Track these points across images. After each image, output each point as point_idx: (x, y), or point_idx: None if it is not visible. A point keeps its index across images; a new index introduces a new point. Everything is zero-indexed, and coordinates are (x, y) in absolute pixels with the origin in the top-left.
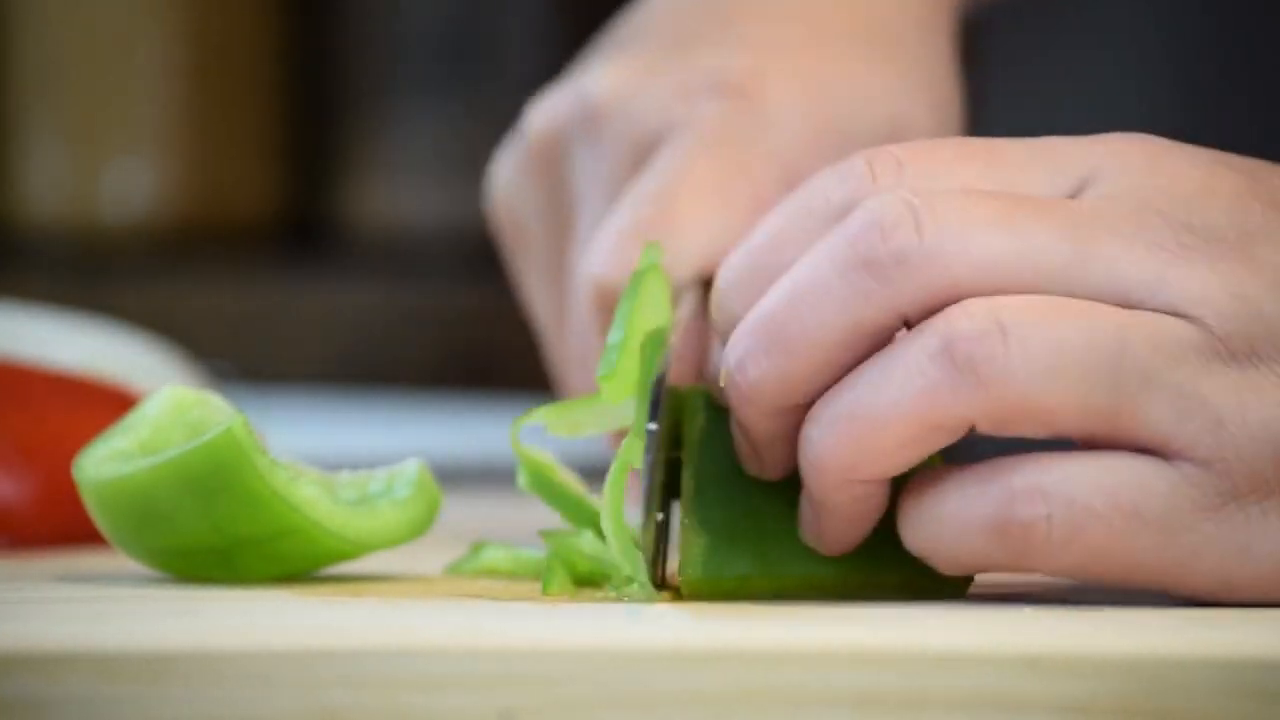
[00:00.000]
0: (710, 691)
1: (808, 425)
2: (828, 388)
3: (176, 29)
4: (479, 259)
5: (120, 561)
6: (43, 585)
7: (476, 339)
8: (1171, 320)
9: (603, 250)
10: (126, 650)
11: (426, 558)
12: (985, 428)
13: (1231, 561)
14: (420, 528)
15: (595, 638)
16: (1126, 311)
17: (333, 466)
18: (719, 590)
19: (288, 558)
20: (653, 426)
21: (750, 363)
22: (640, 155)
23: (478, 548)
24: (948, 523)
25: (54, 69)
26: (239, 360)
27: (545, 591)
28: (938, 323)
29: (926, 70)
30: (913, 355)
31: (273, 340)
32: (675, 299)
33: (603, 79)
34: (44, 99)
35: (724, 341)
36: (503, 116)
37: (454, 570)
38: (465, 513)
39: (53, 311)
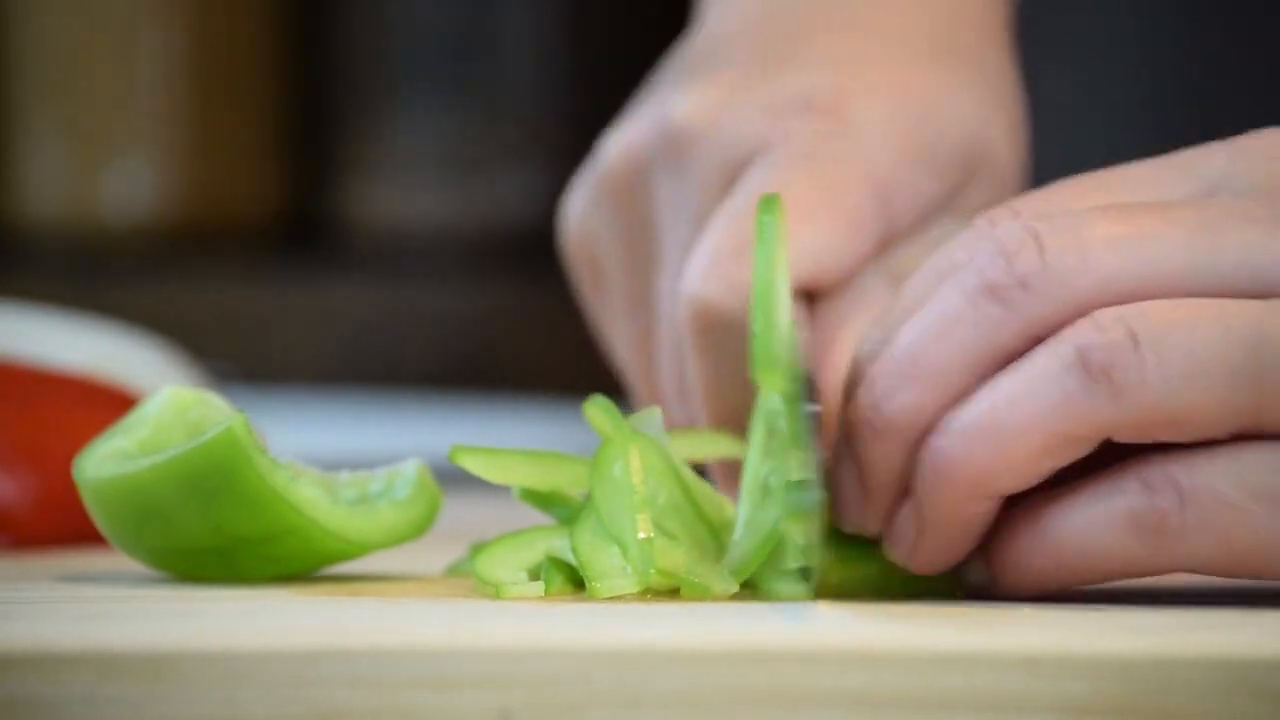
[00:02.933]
0: (710, 691)
1: (934, 437)
2: None
3: (177, 29)
4: (479, 259)
5: (120, 561)
6: (43, 585)
7: (476, 339)
8: None
9: (700, 269)
10: (126, 650)
11: (426, 558)
12: (1123, 436)
13: None
14: (420, 528)
15: (595, 638)
16: (1260, 303)
17: (333, 466)
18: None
19: (288, 558)
20: (815, 409)
21: (887, 398)
22: (728, 180)
23: (478, 548)
24: (1082, 526)
25: (54, 69)
26: (239, 360)
27: (547, 592)
28: (1069, 334)
29: (995, 79)
30: (1047, 366)
31: (273, 340)
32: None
33: (684, 104)
34: (44, 99)
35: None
36: (503, 117)
37: (453, 571)
38: (465, 513)
39: (53, 311)
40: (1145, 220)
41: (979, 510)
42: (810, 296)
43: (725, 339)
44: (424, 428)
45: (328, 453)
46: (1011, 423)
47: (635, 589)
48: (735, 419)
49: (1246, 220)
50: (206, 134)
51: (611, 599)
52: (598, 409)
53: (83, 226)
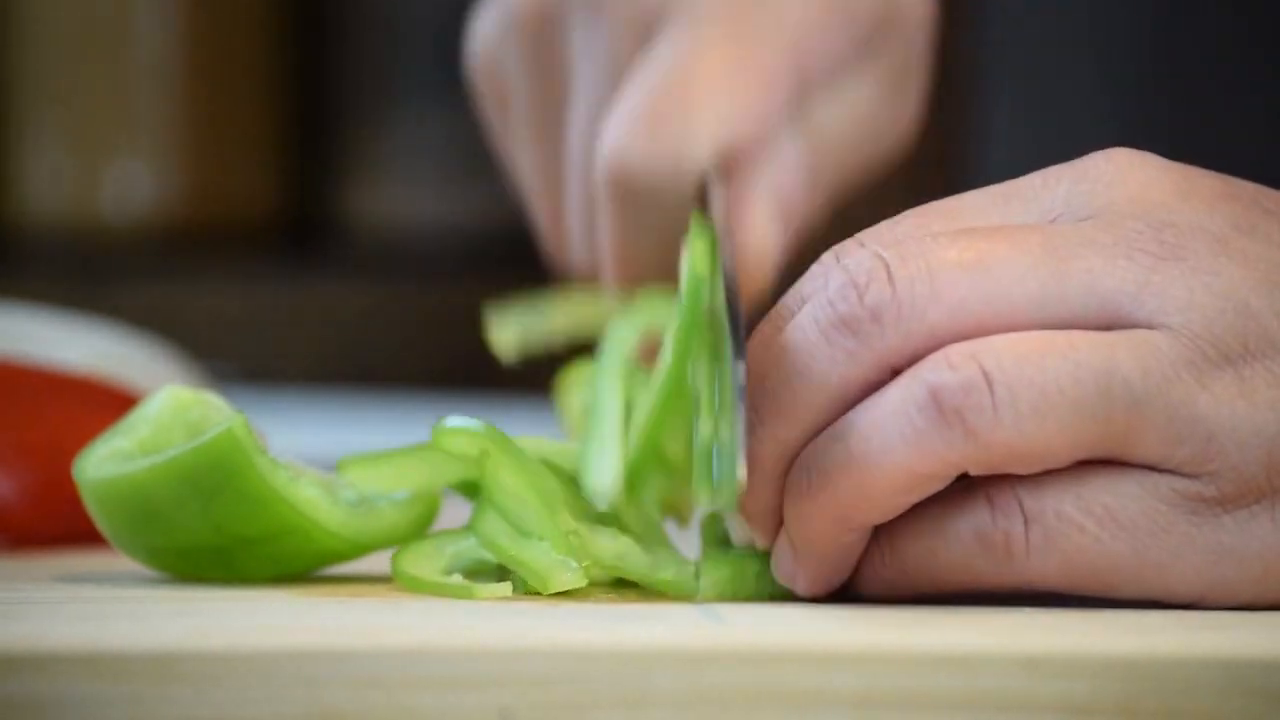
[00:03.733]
0: (710, 691)
1: (795, 471)
2: None
3: (177, 30)
4: (479, 259)
5: (120, 561)
6: (43, 585)
7: (476, 339)
8: (1158, 336)
9: (620, 131)
10: (126, 650)
11: None
12: (976, 472)
13: (1215, 565)
14: (420, 528)
15: (595, 638)
16: (1110, 337)
17: (333, 466)
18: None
19: (288, 558)
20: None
21: (749, 437)
22: (640, 32)
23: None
24: (930, 543)
25: (54, 69)
26: (239, 360)
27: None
28: (922, 371)
29: None
30: (900, 405)
31: (273, 340)
32: (701, 187)
33: None
34: (44, 99)
35: None
36: None
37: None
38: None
39: (53, 311)
40: (993, 246)
41: (847, 541)
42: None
43: (642, 201)
44: (424, 428)
45: (328, 453)
46: (869, 462)
47: (583, 581)
48: (642, 278)
49: (1090, 247)
50: (206, 134)
51: (564, 594)
52: (450, 434)
53: (83, 226)
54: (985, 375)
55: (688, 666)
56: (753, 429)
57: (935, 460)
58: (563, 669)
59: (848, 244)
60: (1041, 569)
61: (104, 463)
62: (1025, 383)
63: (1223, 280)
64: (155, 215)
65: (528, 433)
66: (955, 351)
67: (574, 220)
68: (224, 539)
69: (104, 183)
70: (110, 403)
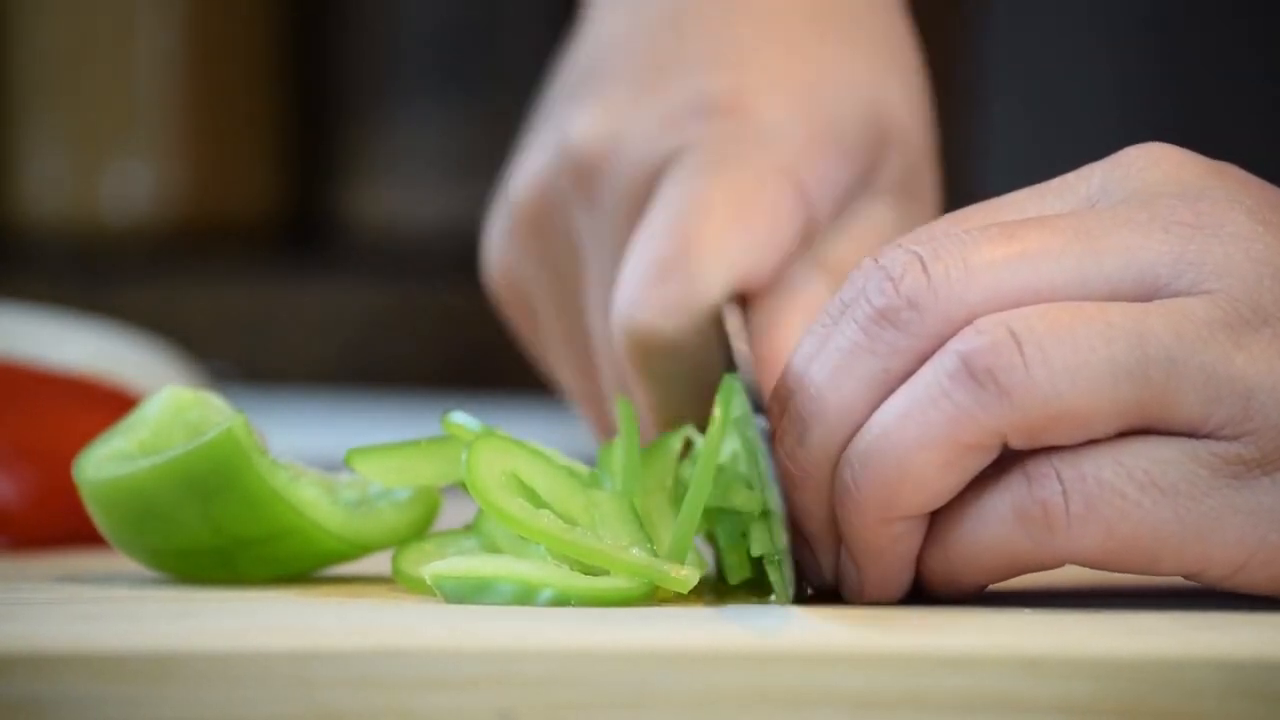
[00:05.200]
0: (710, 691)
1: (840, 469)
2: None
3: (177, 29)
4: (479, 259)
5: (120, 561)
6: (43, 585)
7: (476, 339)
8: (1193, 300)
9: (630, 291)
10: (126, 650)
11: None
12: (1018, 441)
13: (1256, 528)
14: (420, 528)
15: (595, 638)
16: (1144, 305)
17: (333, 466)
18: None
19: (288, 558)
20: (762, 423)
21: (798, 444)
22: (639, 197)
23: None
24: (971, 525)
25: (54, 69)
26: (239, 360)
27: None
28: (952, 343)
29: (888, 43)
30: (933, 378)
31: (273, 340)
32: (721, 328)
33: (581, 125)
34: (44, 99)
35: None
36: (502, 117)
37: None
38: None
39: (53, 312)
40: (1027, 234)
41: (899, 533)
42: (744, 300)
43: (664, 359)
44: (424, 428)
45: (328, 453)
46: (905, 441)
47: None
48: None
49: (1126, 224)
50: (206, 134)
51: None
52: (460, 427)
53: (83, 226)
54: (1014, 335)
55: (688, 666)
56: (800, 437)
57: (973, 426)
58: (563, 669)
59: (886, 246)
60: (1083, 540)
61: (104, 463)
62: (1056, 341)
63: (1260, 246)
64: (155, 215)
65: (527, 433)
66: (984, 319)
67: (611, 399)
68: (224, 539)
69: (104, 183)
70: (110, 403)
